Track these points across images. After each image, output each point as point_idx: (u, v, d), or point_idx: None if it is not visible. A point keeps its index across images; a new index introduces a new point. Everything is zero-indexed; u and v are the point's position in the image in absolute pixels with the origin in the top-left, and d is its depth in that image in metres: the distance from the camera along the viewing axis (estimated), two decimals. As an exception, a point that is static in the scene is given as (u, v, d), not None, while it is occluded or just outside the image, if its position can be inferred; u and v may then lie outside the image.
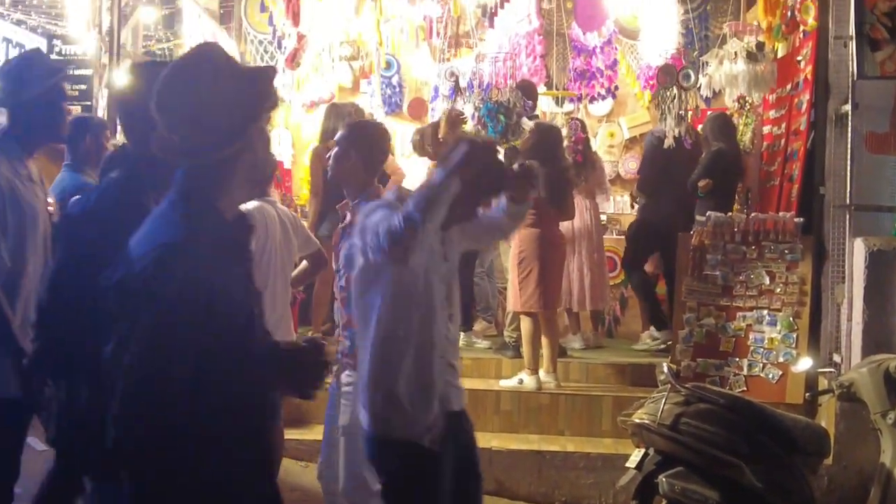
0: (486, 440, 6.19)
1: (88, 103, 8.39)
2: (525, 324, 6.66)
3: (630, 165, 9.63)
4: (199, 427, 2.08)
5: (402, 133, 9.63)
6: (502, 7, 8.11)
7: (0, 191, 3.35)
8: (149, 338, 2.03)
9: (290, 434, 5.66)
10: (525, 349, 6.69)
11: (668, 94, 7.65)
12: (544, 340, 6.68)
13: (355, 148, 4.16)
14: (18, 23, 11.11)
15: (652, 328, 7.65)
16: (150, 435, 2.02)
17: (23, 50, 12.06)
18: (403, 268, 3.07)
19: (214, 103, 2.16)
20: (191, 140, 2.17)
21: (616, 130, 10.03)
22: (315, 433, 6.27)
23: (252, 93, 2.24)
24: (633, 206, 8.52)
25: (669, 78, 7.65)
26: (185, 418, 2.05)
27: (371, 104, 9.61)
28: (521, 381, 6.62)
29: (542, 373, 6.63)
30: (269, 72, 2.49)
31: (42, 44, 11.08)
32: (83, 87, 8.32)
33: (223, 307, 2.14)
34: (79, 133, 5.51)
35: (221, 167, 2.22)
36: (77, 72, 8.37)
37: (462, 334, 7.46)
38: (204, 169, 2.20)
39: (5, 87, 3.61)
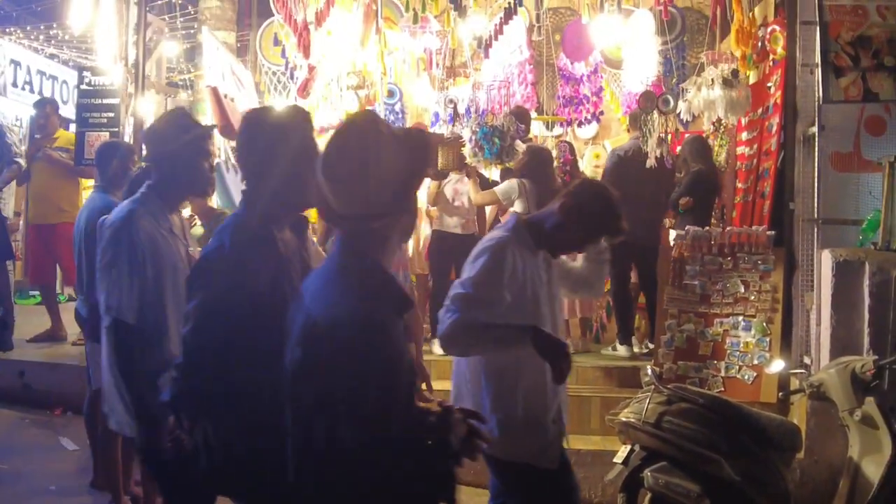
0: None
1: (116, 129, 8.37)
2: None
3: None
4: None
5: None
6: (496, 39, 8.15)
7: (141, 247, 3.26)
8: (352, 398, 2.07)
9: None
10: None
11: (649, 118, 7.64)
12: None
13: None
14: (51, 56, 11.06)
15: (617, 342, 7.66)
16: None
17: (57, 82, 12.38)
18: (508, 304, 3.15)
19: (381, 172, 2.18)
20: (358, 207, 2.19)
21: (601, 152, 9.93)
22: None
23: (414, 160, 2.27)
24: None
25: (650, 103, 7.65)
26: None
27: None
28: None
29: None
30: (427, 138, 2.63)
31: (73, 76, 11.14)
32: (111, 114, 8.27)
33: (401, 363, 2.20)
34: (107, 157, 5.74)
35: (385, 228, 2.26)
36: (105, 101, 8.33)
37: None
38: (369, 231, 2.23)
39: (150, 144, 3.58)
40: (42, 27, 11.22)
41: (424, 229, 8.29)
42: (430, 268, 8.11)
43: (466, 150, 7.72)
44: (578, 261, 3.83)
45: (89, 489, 5.36)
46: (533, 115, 9.05)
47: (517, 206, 6.72)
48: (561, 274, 3.64)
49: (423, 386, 4.23)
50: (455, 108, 8.87)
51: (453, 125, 8.62)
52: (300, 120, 2.84)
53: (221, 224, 2.82)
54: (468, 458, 2.41)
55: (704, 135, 8.04)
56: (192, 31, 10.91)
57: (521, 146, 7.12)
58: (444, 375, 7.09)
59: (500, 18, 8.10)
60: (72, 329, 7.56)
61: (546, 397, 3.39)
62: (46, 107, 8.21)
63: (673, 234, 7.06)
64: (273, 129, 2.78)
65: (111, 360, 3.30)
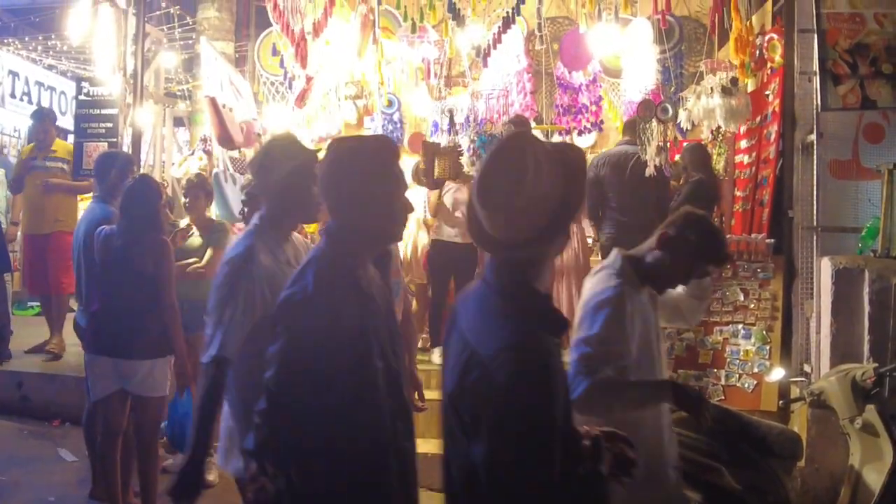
0: None
1: (114, 140, 8.46)
2: None
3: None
4: None
5: (403, 165, 9.84)
6: (494, 48, 8.15)
7: (260, 285, 3.17)
8: (526, 426, 2.01)
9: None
10: None
11: (648, 126, 7.58)
12: None
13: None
14: (50, 67, 11.15)
15: None
16: None
17: (56, 92, 12.44)
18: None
19: (539, 196, 2.10)
20: (516, 233, 2.13)
21: None
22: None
23: (571, 178, 2.18)
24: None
25: (649, 112, 7.54)
26: None
27: None
28: None
29: None
30: (582, 154, 2.45)
31: (71, 86, 11.22)
32: (109, 125, 8.35)
33: (566, 388, 2.22)
34: (106, 168, 5.81)
35: (543, 252, 2.22)
36: (103, 111, 8.40)
37: (436, 349, 7.64)
38: (527, 259, 2.19)
39: (260, 175, 3.49)
40: (40, 38, 11.30)
41: (422, 238, 8.31)
42: (430, 277, 8.11)
43: (465, 159, 7.74)
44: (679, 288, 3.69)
45: (88, 500, 5.38)
46: (532, 124, 8.91)
47: None
48: (659, 303, 3.51)
49: (416, 396, 4.20)
50: (452, 118, 8.87)
51: (452, 134, 8.62)
52: (387, 152, 2.76)
53: (304, 262, 2.72)
54: (618, 482, 2.40)
55: (703, 143, 8.07)
56: (190, 42, 10.96)
57: None
58: (440, 386, 7.21)
59: (499, 27, 8.11)
60: (71, 339, 7.54)
61: (664, 444, 3.33)
62: (45, 118, 8.16)
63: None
64: (361, 163, 2.68)
65: (230, 400, 3.23)
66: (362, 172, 2.64)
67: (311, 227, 7.26)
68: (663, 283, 3.40)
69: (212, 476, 5.64)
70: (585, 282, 3.40)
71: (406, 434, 2.79)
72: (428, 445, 6.57)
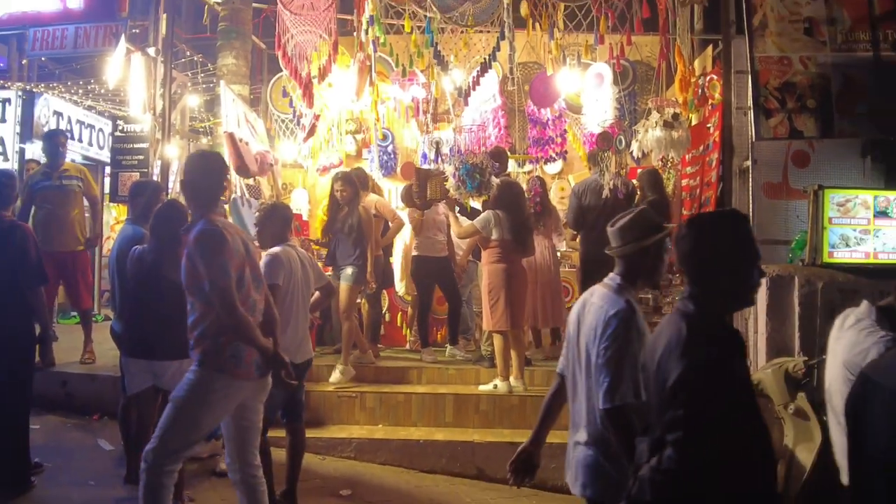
0: (469, 435, 6.39)
1: (145, 170, 8.43)
2: (496, 340, 6.78)
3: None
4: None
5: (395, 190, 9.68)
6: (474, 89, 8.19)
7: (641, 335, 2.99)
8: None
9: (311, 433, 5.70)
10: (497, 360, 6.79)
11: (606, 155, 7.63)
12: (513, 353, 6.76)
13: None
14: (89, 108, 11.06)
15: None
16: None
17: (94, 130, 12.25)
18: None
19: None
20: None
21: (566, 185, 9.96)
22: (330, 432, 6.45)
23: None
24: (574, 239, 8.14)
25: (606, 143, 7.68)
26: None
27: (371, 168, 9.62)
28: (495, 386, 6.73)
29: (511, 379, 6.66)
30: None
31: (108, 124, 11.15)
32: (141, 157, 8.31)
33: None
34: (138, 194, 5.72)
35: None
36: (136, 145, 8.36)
37: (448, 348, 7.70)
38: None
39: (623, 238, 3.20)
40: (81, 83, 11.20)
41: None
42: (417, 287, 8.07)
43: (450, 184, 7.55)
44: None
45: (124, 484, 5.34)
46: (507, 154, 8.72)
47: (494, 234, 6.70)
48: None
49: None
50: (438, 148, 8.89)
51: (438, 163, 8.61)
52: (737, 221, 2.60)
53: (678, 338, 2.42)
54: None
55: (656, 168, 8.06)
56: (211, 85, 10.88)
57: (496, 181, 7.06)
58: (433, 380, 7.22)
59: (477, 72, 8.15)
60: (108, 344, 7.46)
61: None
62: (59, 137, 7.88)
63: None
64: (718, 233, 2.53)
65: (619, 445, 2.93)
66: (717, 242, 2.51)
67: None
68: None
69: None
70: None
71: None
72: (420, 433, 6.51)
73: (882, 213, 5.59)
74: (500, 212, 6.74)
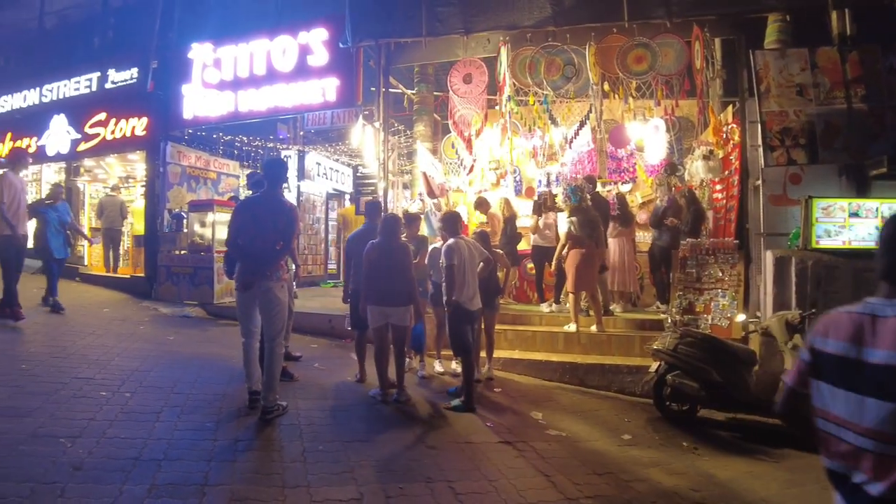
0: (573, 358, 6.28)
1: (375, 195, 8.51)
2: (571, 298, 6.73)
3: (641, 217, 9.30)
4: None
5: (522, 205, 9.51)
6: (575, 137, 8.15)
7: None
8: None
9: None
10: (571, 311, 6.71)
11: (666, 178, 7.67)
12: (593, 306, 6.68)
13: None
14: (337, 159, 11.86)
15: (657, 302, 7.60)
16: None
17: (341, 173, 12.52)
18: None
19: None
20: None
21: (635, 199, 9.78)
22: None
23: None
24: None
25: (671, 168, 7.74)
26: None
27: (506, 192, 9.56)
28: (569, 328, 6.66)
29: (577, 325, 6.54)
30: None
31: (349, 171, 11.72)
32: (372, 188, 8.54)
33: None
34: (371, 210, 5.75)
35: None
36: (369, 181, 8.34)
37: (554, 306, 7.55)
38: None
39: None
40: (332, 144, 11.89)
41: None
42: (535, 265, 8.08)
43: (559, 200, 7.77)
44: None
45: (356, 383, 5.48)
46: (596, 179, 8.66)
47: (575, 232, 6.70)
48: None
49: None
50: (549, 178, 8.99)
51: (550, 187, 8.70)
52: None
53: None
54: None
55: (694, 188, 7.81)
56: (409, 142, 11.00)
57: (588, 197, 7.10)
58: (549, 323, 7.05)
59: (577, 127, 8.11)
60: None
61: None
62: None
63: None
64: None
65: None
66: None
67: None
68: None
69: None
70: None
71: None
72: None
73: (854, 214, 5.45)
74: (576, 218, 6.71)
